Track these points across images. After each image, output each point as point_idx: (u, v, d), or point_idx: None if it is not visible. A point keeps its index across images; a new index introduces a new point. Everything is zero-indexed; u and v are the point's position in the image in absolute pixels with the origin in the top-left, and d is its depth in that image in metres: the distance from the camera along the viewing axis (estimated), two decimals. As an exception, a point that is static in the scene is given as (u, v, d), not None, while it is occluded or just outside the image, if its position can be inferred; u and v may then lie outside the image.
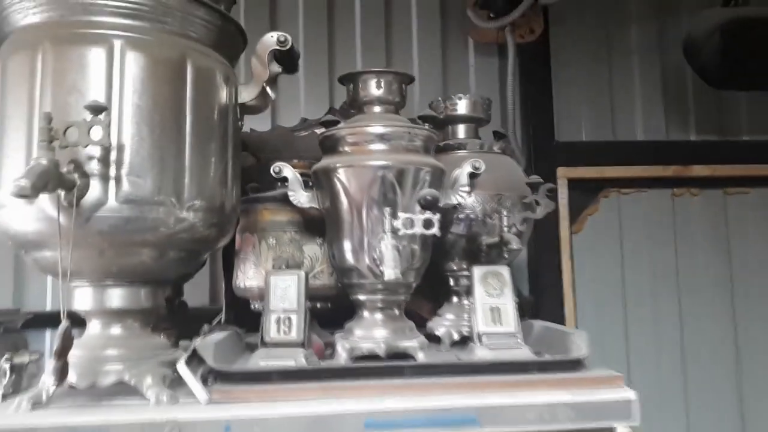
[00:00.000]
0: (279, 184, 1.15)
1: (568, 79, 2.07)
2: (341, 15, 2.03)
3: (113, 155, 0.86)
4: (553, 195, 1.31)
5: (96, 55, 0.89)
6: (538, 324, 1.28)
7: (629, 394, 0.94)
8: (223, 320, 1.43)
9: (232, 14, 1.11)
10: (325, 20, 2.02)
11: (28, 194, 0.73)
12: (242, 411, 0.87)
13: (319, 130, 1.29)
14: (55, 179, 0.78)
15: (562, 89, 2.06)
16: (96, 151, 0.84)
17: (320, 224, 1.18)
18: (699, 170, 2.03)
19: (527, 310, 1.93)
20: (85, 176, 0.85)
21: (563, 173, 1.99)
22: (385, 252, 0.97)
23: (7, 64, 0.92)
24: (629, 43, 2.12)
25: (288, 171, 1.12)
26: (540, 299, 1.96)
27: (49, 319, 1.79)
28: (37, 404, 0.89)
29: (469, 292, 1.23)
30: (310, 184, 1.15)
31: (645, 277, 2.05)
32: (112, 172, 0.87)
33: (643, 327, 2.03)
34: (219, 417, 0.86)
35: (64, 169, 0.80)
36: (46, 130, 0.78)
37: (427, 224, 0.97)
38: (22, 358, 1.42)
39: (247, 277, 1.26)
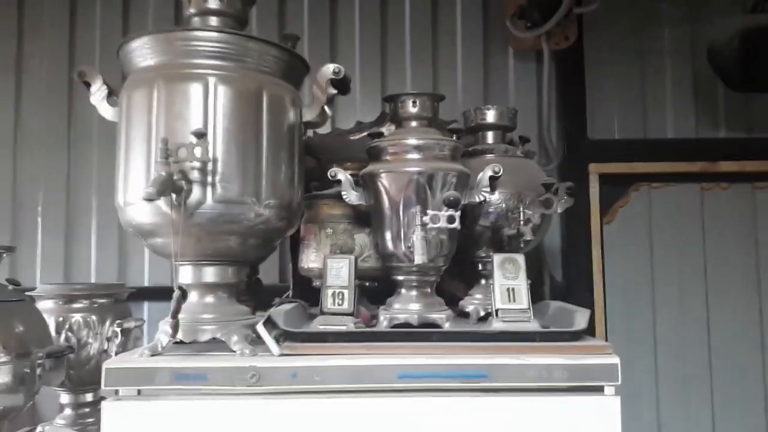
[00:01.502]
0: (335, 184, 1.42)
1: (601, 81, 2.23)
2: (393, 30, 2.27)
3: (209, 166, 1.14)
4: (572, 192, 1.52)
5: (195, 90, 1.18)
6: (555, 304, 1.50)
7: (614, 359, 1.15)
8: (291, 295, 1.72)
9: (297, 48, 1.38)
10: (378, 35, 2.26)
11: (154, 198, 1.03)
12: (305, 362, 1.14)
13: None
14: (170, 186, 1.07)
15: (596, 91, 2.22)
16: (198, 164, 1.12)
17: (368, 217, 1.44)
18: (727, 166, 2.16)
19: (559, 292, 2.14)
20: (190, 183, 1.13)
21: (595, 169, 2.16)
22: (416, 242, 1.21)
23: (131, 97, 1.22)
24: (661, 47, 2.25)
25: (341, 174, 1.37)
26: (571, 284, 2.15)
27: (147, 293, 2.14)
28: (154, 353, 1.20)
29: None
30: (358, 181, 1.40)
31: (672, 267, 2.20)
32: (209, 179, 1.15)
33: (670, 313, 2.18)
34: (288, 365, 1.13)
35: (175, 178, 1.09)
36: (164, 150, 1.07)
37: (450, 220, 1.21)
38: (129, 324, 1.78)
39: (310, 260, 1.54)
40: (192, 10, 1.31)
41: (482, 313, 1.47)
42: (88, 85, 1.31)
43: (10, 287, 1.53)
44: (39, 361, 1.43)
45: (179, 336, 1.20)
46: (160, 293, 2.18)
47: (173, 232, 1.16)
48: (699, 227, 2.21)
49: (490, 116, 1.57)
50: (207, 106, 1.17)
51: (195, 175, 1.13)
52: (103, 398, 1.93)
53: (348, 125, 2.02)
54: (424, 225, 1.22)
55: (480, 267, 1.54)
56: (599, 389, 1.15)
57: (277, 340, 1.21)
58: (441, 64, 2.27)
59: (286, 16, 2.26)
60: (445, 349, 1.18)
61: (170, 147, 1.08)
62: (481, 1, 2.28)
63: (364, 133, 1.78)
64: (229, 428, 1.13)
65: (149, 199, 1.03)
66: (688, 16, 2.25)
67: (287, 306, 1.40)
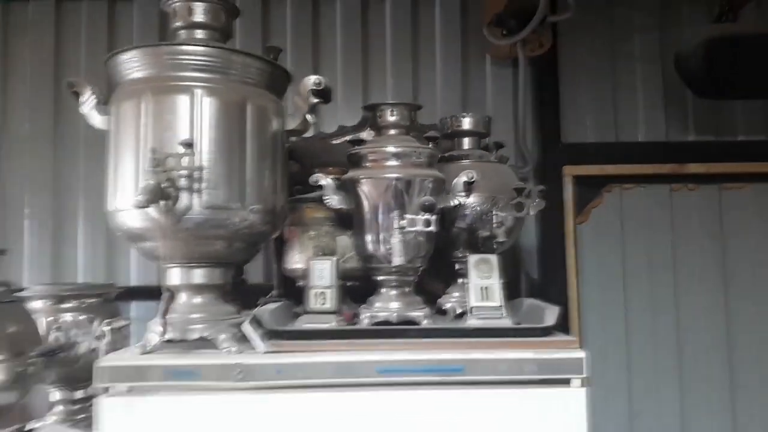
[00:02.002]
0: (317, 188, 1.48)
1: (575, 86, 2.31)
2: (374, 37, 2.34)
3: (196, 174, 1.20)
4: (544, 195, 1.60)
5: (183, 101, 1.23)
6: (528, 301, 1.58)
7: (581, 354, 1.22)
8: (276, 294, 1.78)
9: (280, 57, 1.44)
10: (360, 42, 2.33)
11: (144, 206, 1.08)
12: (289, 359, 1.21)
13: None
14: (159, 194, 1.12)
15: (569, 95, 2.31)
16: (185, 172, 1.18)
17: (349, 220, 1.50)
18: (695, 168, 2.25)
19: (535, 290, 2.22)
20: (178, 190, 1.19)
21: (569, 171, 2.25)
22: (394, 245, 1.28)
23: (120, 107, 1.27)
24: (632, 53, 2.34)
25: (323, 180, 1.43)
26: (547, 282, 2.24)
27: (134, 292, 2.19)
28: (145, 351, 1.25)
29: (470, 275, 1.55)
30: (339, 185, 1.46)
31: (643, 264, 2.29)
32: (196, 186, 1.20)
33: (641, 308, 2.28)
34: (272, 362, 1.20)
35: (164, 186, 1.15)
36: (153, 159, 1.13)
37: (426, 223, 1.28)
38: (118, 323, 1.83)
39: (294, 261, 1.60)
40: (178, 23, 1.36)
41: (459, 311, 1.54)
42: (77, 94, 1.36)
43: (2, 289, 1.57)
44: (32, 360, 1.49)
45: (169, 335, 1.26)
46: (146, 293, 2.23)
47: (162, 236, 1.22)
48: (668, 226, 2.31)
49: (466, 123, 1.65)
50: (194, 117, 1.23)
51: (183, 182, 1.19)
52: (92, 396, 1.99)
53: (330, 129, 2.08)
54: (402, 228, 1.29)
55: (457, 267, 1.62)
56: (567, 382, 1.22)
57: (262, 339, 1.27)
58: (421, 71, 2.34)
59: (269, 25, 2.31)
60: (423, 345, 1.25)
61: (159, 156, 1.13)
62: (459, 9, 2.35)
63: (346, 138, 1.84)
64: (218, 422, 1.19)
65: (140, 207, 1.09)
66: (657, 24, 2.34)
67: (273, 305, 1.46)
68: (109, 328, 1.77)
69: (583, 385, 1.21)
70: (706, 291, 2.29)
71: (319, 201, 1.52)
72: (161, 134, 1.22)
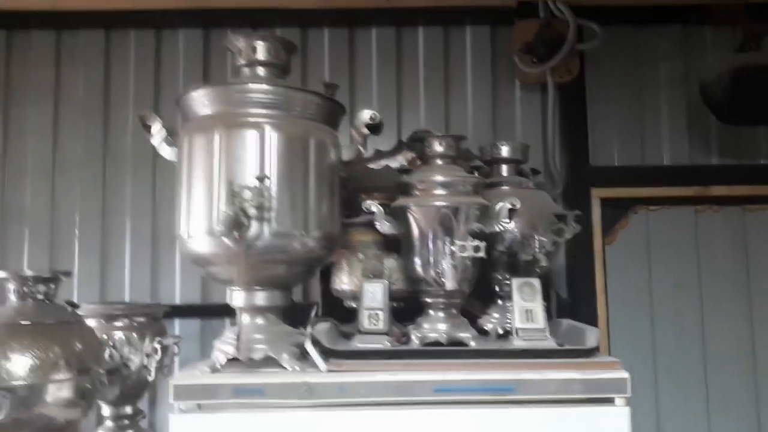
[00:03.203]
0: (366, 214, 1.57)
1: (602, 111, 2.40)
2: (407, 65, 2.44)
3: (266, 204, 1.29)
4: (580, 220, 1.68)
5: (252, 136, 1.33)
6: (566, 322, 1.66)
7: (624, 374, 1.30)
8: (320, 313, 1.87)
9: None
10: (394, 70, 2.44)
11: (225, 235, 1.18)
12: (351, 378, 1.29)
13: (389, 162, 1.73)
14: (236, 223, 1.22)
15: (597, 120, 2.39)
16: (257, 203, 1.27)
17: (396, 244, 1.59)
18: (719, 190, 2.32)
19: (565, 309, 2.29)
20: (249, 219, 1.28)
21: (596, 193, 2.32)
22: (446, 270, 1.37)
23: (193, 140, 1.37)
24: (657, 80, 2.42)
25: (374, 207, 1.52)
26: (576, 301, 2.31)
27: (178, 311, 2.28)
28: (213, 369, 1.34)
29: (510, 296, 1.63)
30: (388, 211, 1.55)
31: (669, 284, 2.35)
32: (266, 215, 1.30)
33: (668, 327, 2.34)
34: (336, 381, 1.28)
35: (239, 216, 1.24)
36: (230, 192, 1.22)
37: (476, 249, 1.37)
38: (168, 341, 1.92)
39: (342, 282, 1.68)
40: (242, 61, 1.46)
41: (500, 331, 1.62)
42: (147, 127, 1.46)
43: (69, 309, 1.67)
44: (97, 377, 1.57)
45: (235, 354, 1.34)
46: (190, 311, 2.32)
47: (231, 262, 1.32)
48: (694, 247, 2.37)
49: (505, 151, 1.73)
50: (263, 151, 1.32)
51: (253, 212, 1.28)
52: (140, 411, 2.07)
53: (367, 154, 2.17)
54: (452, 254, 1.38)
55: (497, 288, 1.69)
56: (611, 401, 1.30)
57: (323, 358, 1.36)
58: (452, 97, 2.43)
59: (308, 59, 2.41)
60: (474, 366, 1.33)
61: (236, 189, 1.23)
62: (489, 37, 2.45)
63: (384, 162, 1.94)
64: (283, 437, 1.27)
65: (220, 236, 1.18)
66: (682, 52, 2.43)
67: (323, 325, 1.55)
68: (159, 345, 1.86)
69: (626, 404, 1.29)
70: (730, 310, 2.35)
71: (366, 225, 1.62)
72: (233, 166, 1.31)
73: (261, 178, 1.24)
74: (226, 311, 2.31)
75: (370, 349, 1.38)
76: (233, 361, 1.37)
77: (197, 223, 1.33)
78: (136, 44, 2.43)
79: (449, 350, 1.38)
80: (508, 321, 1.63)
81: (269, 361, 1.36)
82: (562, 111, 2.35)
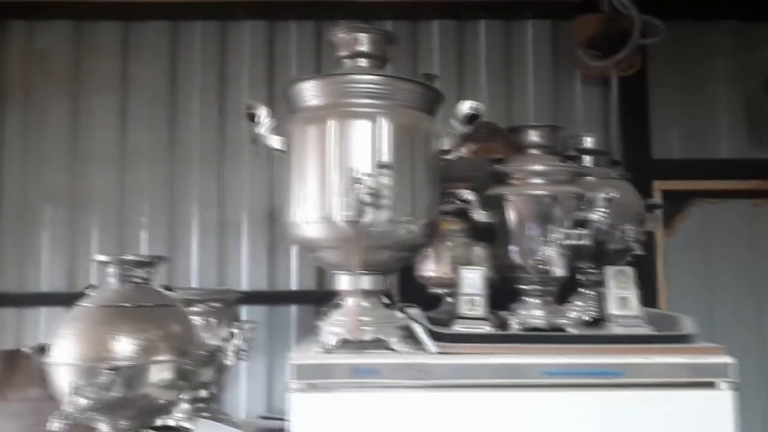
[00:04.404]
0: (453, 203, 1.61)
1: (662, 105, 2.43)
2: (470, 58, 2.48)
3: (383, 191, 1.32)
4: (659, 210, 1.72)
5: (364, 126, 1.36)
6: (650, 311, 1.69)
7: (729, 359, 1.34)
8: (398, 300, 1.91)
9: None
10: (455, 63, 2.47)
11: (354, 219, 1.22)
12: (463, 360, 1.33)
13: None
14: (360, 210, 1.25)
15: (658, 114, 2.42)
16: (374, 189, 1.31)
17: (483, 232, 1.63)
18: (776, 184, 2.37)
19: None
20: (365, 206, 1.32)
21: (657, 186, 2.36)
22: (554, 258, 1.40)
23: (305, 130, 1.40)
24: (716, 74, 2.46)
25: (470, 195, 1.56)
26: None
27: (245, 297, 2.32)
28: (327, 350, 1.38)
29: (594, 285, 1.67)
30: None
31: (727, 275, 2.40)
32: (380, 203, 1.33)
33: (726, 318, 2.38)
34: (449, 362, 1.32)
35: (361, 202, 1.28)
36: (352, 180, 1.26)
37: (580, 237, 1.40)
38: (245, 326, 1.96)
39: (429, 269, 1.73)
40: (344, 52, 1.49)
41: (586, 319, 1.66)
42: (252, 116, 1.49)
43: (166, 293, 1.71)
44: (194, 360, 1.61)
45: (345, 335, 1.38)
46: (257, 298, 2.37)
47: (342, 247, 1.36)
48: (751, 239, 2.41)
49: (589, 143, 1.77)
50: (375, 140, 1.36)
51: (370, 198, 1.31)
52: (214, 394, 2.12)
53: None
54: (558, 242, 1.42)
55: (580, 277, 1.73)
56: (712, 385, 1.34)
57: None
58: (514, 89, 2.47)
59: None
60: (578, 350, 1.36)
61: (358, 176, 1.26)
62: (550, 30, 2.48)
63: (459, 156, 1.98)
64: (397, 416, 1.31)
65: (348, 221, 1.22)
66: (741, 47, 2.46)
67: (413, 310, 1.59)
68: (238, 330, 1.90)
69: (730, 389, 1.33)
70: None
71: (455, 214, 1.66)
72: (346, 155, 1.35)
73: (384, 166, 1.27)
74: (292, 298, 2.39)
75: (476, 332, 1.42)
76: (346, 343, 1.39)
77: (311, 210, 1.37)
78: (202, 35, 2.47)
79: (552, 335, 1.42)
80: (593, 309, 1.67)
81: (379, 344, 1.39)
82: (624, 104, 2.38)
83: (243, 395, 2.36)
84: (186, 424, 1.99)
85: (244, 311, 2.35)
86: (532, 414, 1.31)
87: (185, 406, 1.97)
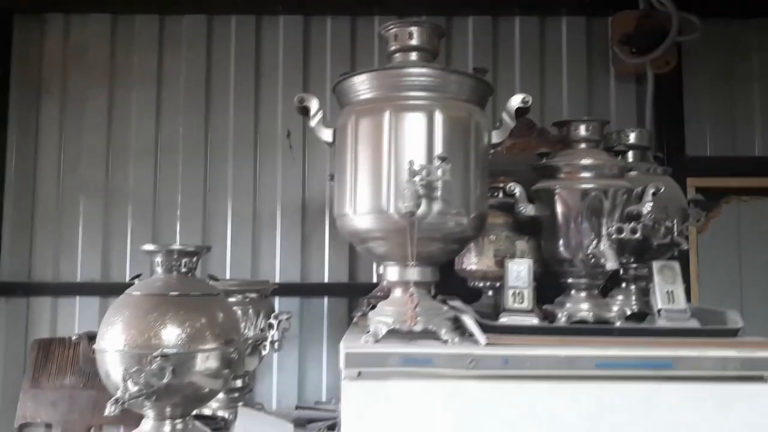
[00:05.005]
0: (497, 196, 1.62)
1: (697, 102, 2.43)
2: (504, 55, 2.48)
3: (439, 184, 1.34)
4: (704, 206, 1.72)
5: (419, 118, 1.37)
6: (693, 305, 1.69)
7: (778, 354, 1.35)
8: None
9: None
10: (491, 58, 2.48)
11: (413, 211, 1.23)
12: (514, 351, 1.33)
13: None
14: (418, 201, 1.27)
15: (692, 111, 2.42)
16: (429, 181, 1.32)
17: (526, 226, 1.63)
18: (809, 183, 2.36)
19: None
20: (420, 198, 1.33)
21: (691, 183, 2.36)
22: (607, 252, 1.41)
23: (359, 123, 1.41)
24: (750, 72, 2.45)
25: (518, 189, 1.57)
26: (669, 288, 2.35)
27: (278, 289, 2.34)
28: (377, 339, 1.39)
29: (635, 279, 1.68)
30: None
31: (759, 272, 2.40)
32: (433, 195, 1.35)
33: (757, 314, 2.38)
34: (500, 353, 1.33)
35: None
36: (411, 171, 1.27)
37: (633, 231, 1.41)
38: (282, 317, 1.98)
39: (471, 262, 1.74)
40: (395, 46, 1.50)
41: (628, 312, 1.66)
42: (305, 110, 1.50)
43: (211, 282, 1.73)
44: (238, 348, 1.63)
45: (395, 325, 1.40)
46: (290, 289, 2.39)
47: (394, 238, 1.37)
48: (784, 237, 2.42)
49: (632, 137, 1.77)
50: (431, 132, 1.37)
51: (422, 191, 1.32)
52: (248, 384, 2.13)
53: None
54: (610, 236, 1.42)
55: (621, 272, 1.74)
56: (762, 379, 1.34)
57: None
58: (547, 85, 2.47)
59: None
60: (628, 343, 1.37)
61: (417, 168, 1.28)
62: (584, 27, 2.48)
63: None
64: (449, 405, 1.32)
65: (407, 212, 1.23)
66: (776, 45, 2.46)
67: (457, 302, 1.60)
68: (276, 321, 1.92)
69: (781, 382, 1.33)
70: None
71: (498, 208, 1.67)
72: (402, 147, 1.36)
73: (443, 158, 1.28)
74: (324, 290, 2.41)
75: (525, 324, 1.43)
76: (395, 332, 1.40)
77: (363, 201, 1.38)
78: (237, 29, 2.48)
79: (604, 328, 1.43)
80: (633, 303, 1.68)
81: (429, 334, 1.40)
82: (659, 101, 2.38)
83: (274, 385, 2.38)
84: (222, 413, 2.03)
85: (277, 303, 2.37)
86: (582, 405, 1.32)
87: (221, 395, 2.00)
